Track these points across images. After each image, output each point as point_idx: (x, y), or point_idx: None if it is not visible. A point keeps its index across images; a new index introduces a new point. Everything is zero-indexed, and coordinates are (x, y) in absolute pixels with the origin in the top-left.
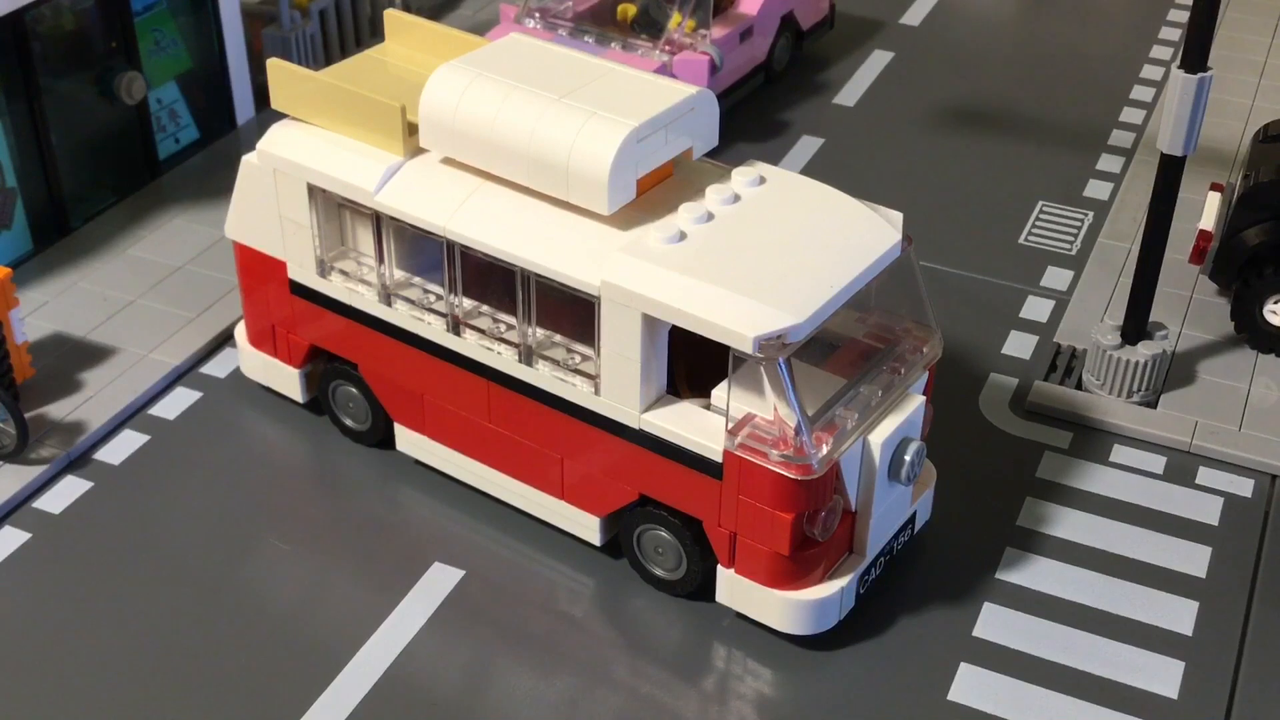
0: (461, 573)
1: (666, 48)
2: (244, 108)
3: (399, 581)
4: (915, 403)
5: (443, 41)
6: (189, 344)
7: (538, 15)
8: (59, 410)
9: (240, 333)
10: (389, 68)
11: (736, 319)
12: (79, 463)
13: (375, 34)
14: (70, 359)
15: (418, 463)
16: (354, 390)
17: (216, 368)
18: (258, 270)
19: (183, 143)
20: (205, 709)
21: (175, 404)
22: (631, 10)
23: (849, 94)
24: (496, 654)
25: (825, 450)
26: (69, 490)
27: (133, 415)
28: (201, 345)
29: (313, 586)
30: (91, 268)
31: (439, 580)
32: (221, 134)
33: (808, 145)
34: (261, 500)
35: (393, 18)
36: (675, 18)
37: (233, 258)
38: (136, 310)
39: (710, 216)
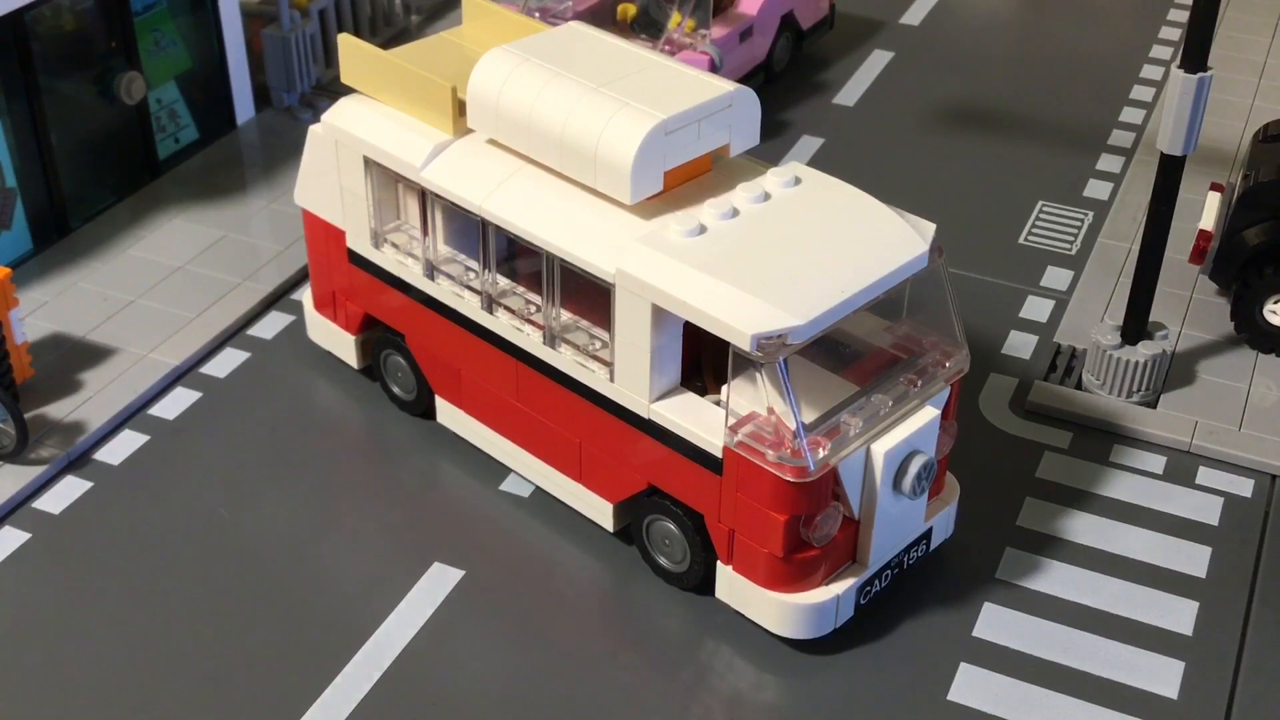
0: (461, 573)
1: (666, 47)
2: (244, 108)
3: (399, 582)
4: (928, 416)
5: (517, 29)
6: (189, 344)
7: (537, 15)
8: (59, 410)
9: (306, 298)
10: (458, 50)
11: (738, 316)
12: (79, 463)
13: (375, 34)
14: (70, 359)
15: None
16: (402, 360)
17: (216, 368)
18: (321, 237)
19: (182, 143)
20: (204, 710)
21: (175, 404)
22: (631, 10)
23: (849, 94)
24: (497, 654)
25: (822, 454)
26: (69, 490)
27: (133, 415)
28: (201, 345)
29: (311, 588)
30: (91, 268)
31: (439, 580)
32: (221, 134)
33: (808, 145)
34: (260, 501)
35: (471, 3)
36: (675, 17)
37: (231, 255)
38: (136, 310)
39: (735, 213)
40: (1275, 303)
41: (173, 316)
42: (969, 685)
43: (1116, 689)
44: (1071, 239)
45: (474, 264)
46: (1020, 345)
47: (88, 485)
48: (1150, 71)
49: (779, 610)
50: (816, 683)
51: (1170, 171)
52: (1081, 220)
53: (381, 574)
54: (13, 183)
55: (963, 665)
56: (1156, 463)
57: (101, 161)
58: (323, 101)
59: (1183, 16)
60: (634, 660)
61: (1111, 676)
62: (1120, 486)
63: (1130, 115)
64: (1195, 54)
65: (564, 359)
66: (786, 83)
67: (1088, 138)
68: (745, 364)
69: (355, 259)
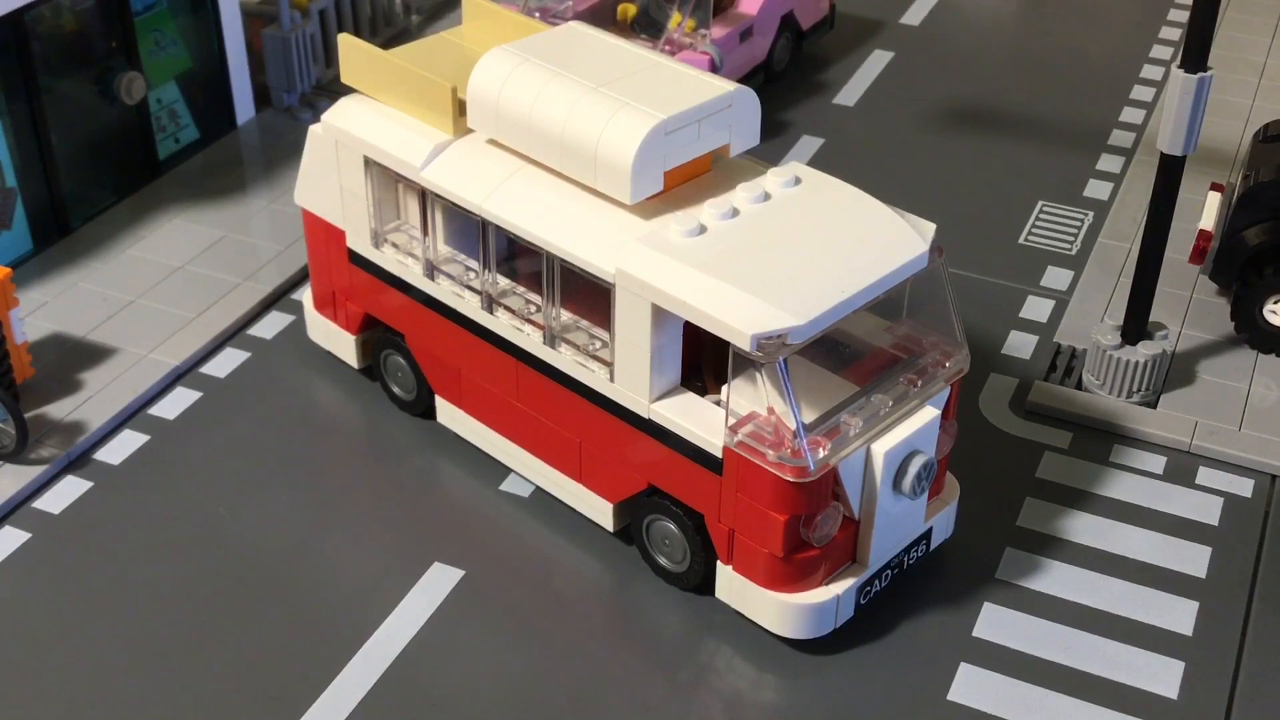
0: (461, 573)
1: (666, 47)
2: (244, 108)
3: (399, 582)
4: (928, 416)
5: (517, 29)
6: (189, 344)
7: (538, 15)
8: (59, 410)
9: (306, 298)
10: (458, 50)
11: (738, 316)
12: (79, 463)
13: (375, 34)
14: (70, 359)
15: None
16: (402, 360)
17: (216, 368)
18: (322, 237)
19: (182, 143)
20: (204, 709)
21: (175, 404)
22: (631, 10)
23: (849, 94)
24: (497, 654)
25: (822, 454)
26: (69, 490)
27: (133, 415)
28: (201, 345)
29: (311, 589)
30: (91, 268)
31: (439, 580)
32: (221, 134)
33: (808, 145)
34: (260, 501)
35: (471, 3)
36: (675, 17)
37: (231, 255)
38: (136, 310)
39: (735, 213)
40: (1275, 303)
41: (173, 316)
42: (969, 685)
43: (1116, 689)
44: (1071, 239)
45: (474, 264)
46: (1020, 345)
47: (88, 485)
48: (1150, 71)
49: (779, 610)
50: (816, 683)
51: (1170, 171)
52: (1081, 220)
53: (381, 574)
54: (13, 183)
55: (963, 665)
56: (1156, 463)
57: (101, 161)
58: (323, 101)
59: (1183, 16)
60: (634, 660)
61: (1111, 676)
62: (1120, 486)
63: (1130, 115)
64: (1195, 54)
65: (564, 359)
66: (786, 83)
67: (1088, 138)
68: (745, 364)
69: (355, 259)
